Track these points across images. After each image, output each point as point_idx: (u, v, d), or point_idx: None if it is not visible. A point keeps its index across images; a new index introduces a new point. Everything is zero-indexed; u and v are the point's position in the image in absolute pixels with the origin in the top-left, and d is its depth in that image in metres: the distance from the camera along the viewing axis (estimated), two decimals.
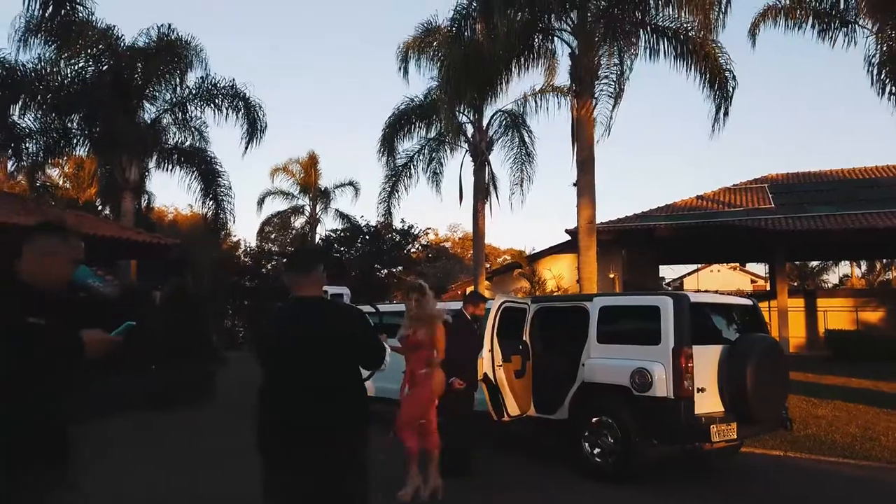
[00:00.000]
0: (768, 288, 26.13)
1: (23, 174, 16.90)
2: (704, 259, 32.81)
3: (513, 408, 6.88)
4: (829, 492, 6.13)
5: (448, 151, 19.79)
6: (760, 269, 39.15)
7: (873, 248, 24.06)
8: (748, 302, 7.25)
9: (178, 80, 16.36)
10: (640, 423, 6.03)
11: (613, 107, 13.06)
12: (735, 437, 6.01)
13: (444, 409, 6.17)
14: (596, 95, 13.22)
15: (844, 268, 43.67)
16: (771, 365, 6.16)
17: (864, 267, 43.64)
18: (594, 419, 6.36)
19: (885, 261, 39.16)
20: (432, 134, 19.32)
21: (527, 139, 18.81)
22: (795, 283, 33.89)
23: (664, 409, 5.84)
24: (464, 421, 6.33)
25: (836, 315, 23.16)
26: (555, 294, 18.87)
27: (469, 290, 10.19)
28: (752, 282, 41.01)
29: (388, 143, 19.18)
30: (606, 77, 13.15)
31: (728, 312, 7.14)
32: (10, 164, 16.26)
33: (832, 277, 44.31)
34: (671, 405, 5.81)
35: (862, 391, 11.54)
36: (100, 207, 23.97)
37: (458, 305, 7.52)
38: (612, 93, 13.12)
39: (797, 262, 37.79)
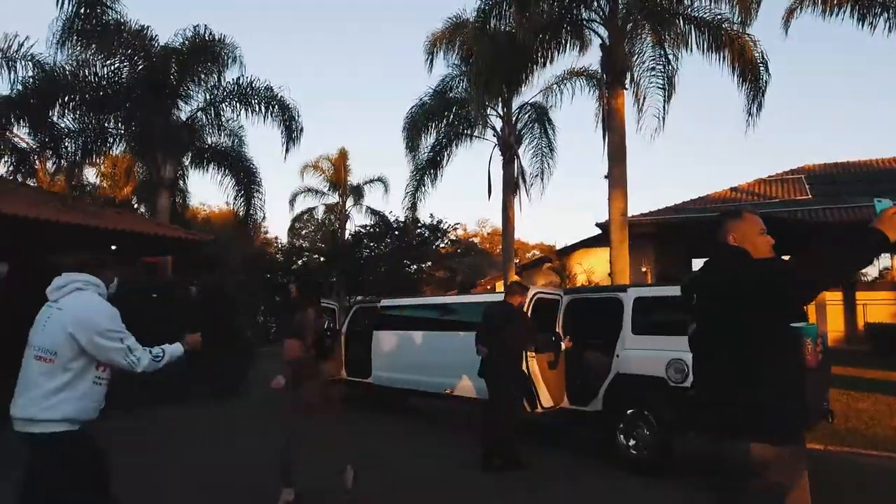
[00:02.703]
0: None
1: (62, 173, 17.34)
2: None
3: (546, 399, 6.87)
4: (871, 486, 5.99)
5: (474, 145, 19.74)
6: None
7: None
8: None
9: (214, 79, 16.60)
10: (677, 415, 5.97)
11: (664, 100, 12.93)
12: None
13: (497, 402, 6.22)
14: (643, 86, 13.09)
15: (884, 260, 42.45)
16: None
17: None
18: (629, 411, 6.31)
19: None
20: (458, 128, 19.27)
21: (549, 130, 18.72)
22: None
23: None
24: (516, 414, 6.40)
25: (877, 308, 22.58)
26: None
27: (512, 279, 10.18)
28: None
29: (411, 137, 19.15)
30: (653, 69, 13.02)
31: None
32: (50, 163, 16.69)
33: (872, 270, 43.10)
34: None
35: None
36: (136, 205, 24.48)
37: (493, 298, 7.54)
38: (660, 84, 12.99)
39: None
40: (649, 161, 77.78)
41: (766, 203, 20.47)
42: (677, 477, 5.97)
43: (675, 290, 6.84)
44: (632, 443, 6.26)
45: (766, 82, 13.43)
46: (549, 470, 6.41)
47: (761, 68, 13.33)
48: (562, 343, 7.16)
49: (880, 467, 6.58)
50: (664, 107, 12.94)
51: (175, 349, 3.43)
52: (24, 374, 3.15)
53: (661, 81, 12.98)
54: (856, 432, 7.87)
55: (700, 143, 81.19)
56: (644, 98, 13.05)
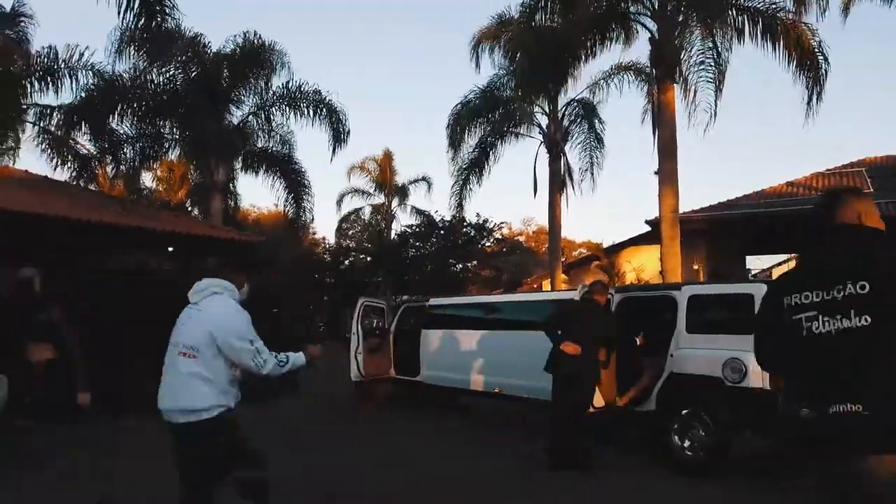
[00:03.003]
0: None
1: (121, 178, 17.98)
2: (796, 249, 31.22)
3: (598, 399, 6.79)
4: None
5: (519, 143, 19.62)
6: None
7: None
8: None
9: (263, 84, 16.95)
10: (734, 416, 5.83)
11: (715, 93, 12.58)
12: None
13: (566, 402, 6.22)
14: (692, 80, 12.79)
15: None
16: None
17: None
18: (684, 411, 6.19)
19: None
20: (502, 125, 19.17)
21: (597, 126, 18.51)
22: None
23: (759, 400, 5.62)
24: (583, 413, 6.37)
25: None
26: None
27: (592, 279, 10.09)
28: None
29: (457, 136, 19.14)
30: (703, 63, 12.70)
31: None
32: (109, 168, 17.33)
33: None
34: (767, 397, 5.57)
35: None
36: (189, 208, 25.19)
37: (545, 296, 7.51)
38: (710, 78, 12.67)
39: None
40: (701, 156, 76.06)
41: None
42: (734, 479, 5.82)
43: (731, 288, 6.72)
44: (686, 443, 6.14)
45: (825, 72, 12.98)
46: (602, 470, 6.33)
47: (819, 58, 12.89)
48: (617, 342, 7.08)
49: None
50: (715, 101, 12.60)
51: (298, 358, 3.68)
52: (171, 369, 3.51)
53: (710, 75, 12.65)
54: None
55: (754, 137, 78.91)
56: (694, 92, 12.73)
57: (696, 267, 18.87)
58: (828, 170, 22.31)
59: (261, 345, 3.50)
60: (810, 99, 12.84)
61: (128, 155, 16.50)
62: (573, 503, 5.45)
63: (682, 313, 6.43)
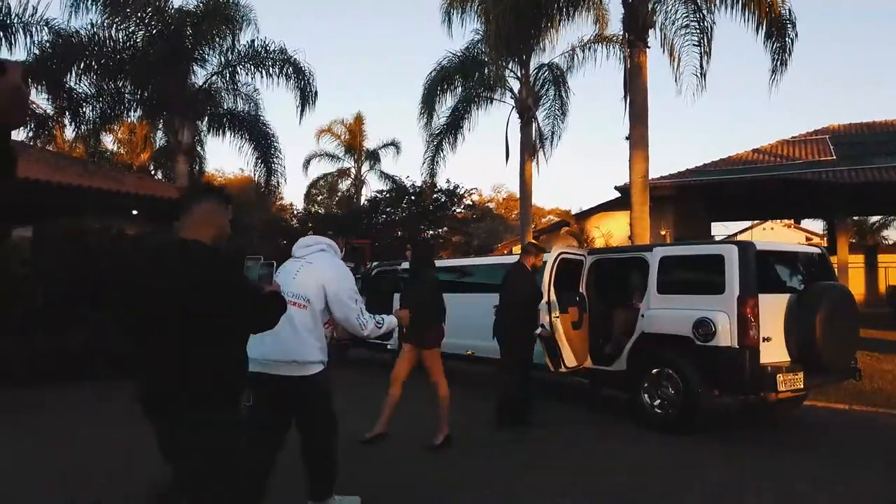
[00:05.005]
0: (825, 244, 25.26)
1: (81, 140, 17.39)
2: (760, 216, 31.81)
3: (570, 359, 6.87)
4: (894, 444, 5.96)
5: (491, 111, 19.51)
6: (817, 226, 37.87)
7: None
8: (816, 251, 7.02)
9: (228, 42, 16.42)
10: (703, 374, 5.96)
11: (701, 56, 12.53)
12: (802, 386, 5.89)
13: (508, 361, 6.28)
14: (677, 45, 12.74)
15: None
16: (841, 313, 5.98)
17: None
18: (654, 370, 6.30)
19: None
20: (475, 90, 18.99)
21: (563, 93, 18.45)
22: (854, 240, 32.66)
23: (728, 358, 5.75)
24: (518, 370, 6.39)
25: None
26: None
27: (562, 244, 10.18)
28: (808, 239, 39.67)
29: (429, 101, 18.89)
30: (687, 26, 12.65)
31: (795, 261, 6.93)
32: (68, 129, 16.73)
33: (893, 234, 42.54)
34: (735, 355, 5.71)
35: None
36: (153, 171, 24.56)
37: (512, 260, 7.53)
38: (696, 42, 12.63)
39: (856, 218, 36.36)
40: (670, 123, 76.62)
41: (790, 164, 20.13)
42: (702, 436, 5.98)
43: (701, 250, 6.80)
44: (657, 402, 6.27)
45: (792, 41, 13.02)
46: (569, 429, 6.44)
47: (788, 27, 12.93)
48: (585, 303, 7.14)
49: None
50: (702, 64, 12.57)
51: (391, 320, 3.84)
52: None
53: (696, 38, 12.61)
54: (881, 392, 7.84)
55: (722, 105, 79.67)
56: (679, 58, 12.71)
57: (663, 232, 19.14)
58: (793, 137, 22.68)
59: (363, 305, 3.62)
60: (775, 66, 12.89)
61: (87, 115, 15.94)
62: (533, 457, 5.51)
63: (653, 274, 6.51)
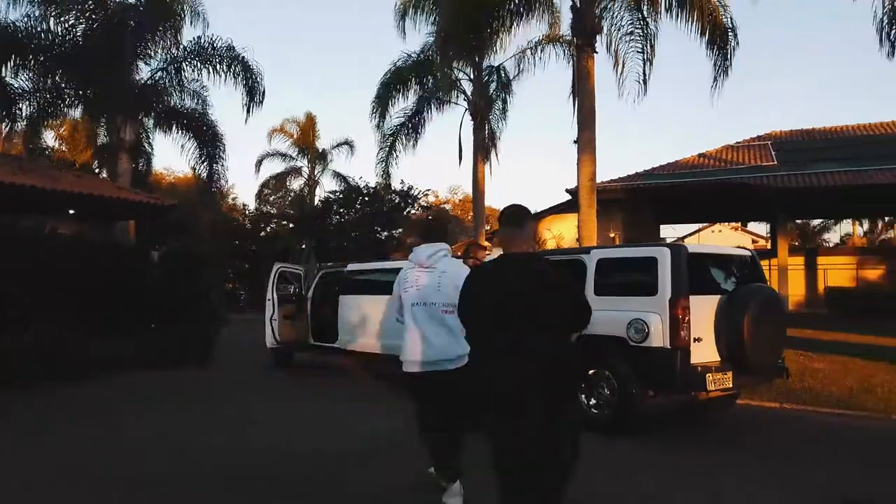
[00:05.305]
0: (769, 247, 26.07)
1: (19, 136, 16.76)
2: (707, 219, 32.68)
3: None
4: (825, 442, 6.14)
5: (447, 111, 19.53)
6: (763, 229, 39.12)
7: (876, 205, 23.90)
8: (747, 253, 7.20)
9: (172, 36, 16.03)
10: (637, 374, 6.04)
11: (644, 63, 12.76)
12: (731, 385, 6.02)
13: None
14: (622, 51, 12.94)
15: (846, 227, 43.60)
16: (769, 314, 6.14)
17: (865, 226, 43.53)
18: (590, 371, 6.36)
19: (886, 219, 39.01)
20: (429, 91, 19.00)
21: (510, 96, 18.69)
22: (797, 243, 33.80)
23: (660, 359, 5.84)
24: None
25: (837, 273, 23.18)
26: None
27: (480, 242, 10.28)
28: (753, 241, 40.93)
29: (383, 101, 18.82)
30: (632, 33, 12.85)
31: (727, 263, 7.08)
32: (4, 126, 16.11)
33: (833, 237, 44.25)
34: (667, 355, 5.81)
35: (860, 346, 11.58)
36: (97, 169, 23.82)
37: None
38: (639, 49, 12.83)
39: (798, 222, 37.67)
40: (619, 128, 78.04)
41: (733, 169, 20.71)
42: (637, 436, 6.06)
43: (636, 252, 6.90)
44: (593, 402, 6.33)
45: (733, 48, 13.35)
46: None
47: (730, 35, 13.26)
48: None
49: (834, 425, 6.75)
50: (645, 70, 12.81)
51: None
52: (434, 325, 4.05)
53: (640, 45, 12.84)
54: (811, 391, 8.08)
55: (670, 110, 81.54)
56: (623, 63, 12.92)
57: (612, 234, 19.47)
58: (737, 143, 23.35)
59: None
60: (718, 73, 13.19)
61: (24, 111, 15.37)
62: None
63: (590, 276, 6.57)
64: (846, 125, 23.43)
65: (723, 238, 38.39)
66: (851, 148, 20.43)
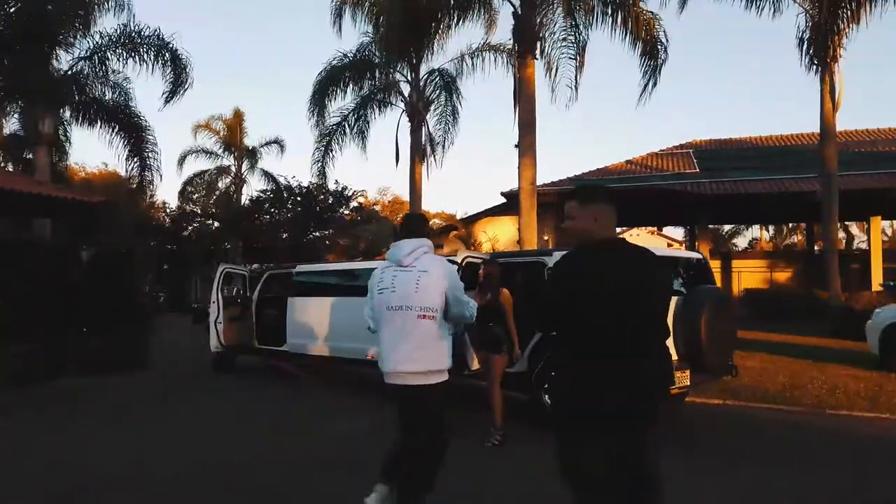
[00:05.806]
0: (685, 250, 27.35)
1: None
2: (632, 223, 33.89)
3: (474, 362, 6.90)
4: (768, 436, 6.48)
5: (383, 110, 19.40)
6: (677, 233, 41.03)
7: (788, 212, 25.54)
8: (698, 256, 7.53)
9: (93, 23, 15.14)
10: None
11: (576, 69, 13.09)
12: (689, 383, 6.27)
13: None
14: (554, 56, 13.22)
15: (754, 231, 46.43)
16: (722, 314, 6.44)
17: (771, 230, 46.50)
18: (553, 371, 6.45)
19: (790, 224, 41.76)
20: (366, 92, 18.84)
21: (454, 98, 18.68)
22: (711, 247, 35.64)
23: None
24: None
25: (750, 275, 24.62)
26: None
27: (451, 248, 10.24)
28: (668, 245, 42.84)
29: (319, 101, 18.52)
30: (565, 40, 13.15)
31: (677, 266, 7.38)
32: None
33: (742, 241, 47.04)
34: None
35: (783, 344, 12.35)
36: (2, 163, 22.17)
37: None
38: (572, 55, 13.15)
39: (710, 227, 39.73)
40: (550, 135, 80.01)
41: (658, 175, 21.63)
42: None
43: None
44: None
45: (663, 61, 13.92)
46: (467, 432, 6.47)
47: (660, 48, 13.82)
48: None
49: (773, 419, 7.15)
50: (576, 76, 13.18)
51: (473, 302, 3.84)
52: (408, 332, 3.46)
53: (572, 52, 13.19)
54: (748, 388, 8.53)
55: (599, 117, 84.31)
56: (556, 69, 13.25)
57: (546, 237, 19.89)
58: (661, 150, 24.41)
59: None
60: (646, 84, 13.72)
61: None
62: None
63: None
64: (760, 135, 24.97)
65: (640, 241, 39.71)
66: (767, 158, 21.78)
